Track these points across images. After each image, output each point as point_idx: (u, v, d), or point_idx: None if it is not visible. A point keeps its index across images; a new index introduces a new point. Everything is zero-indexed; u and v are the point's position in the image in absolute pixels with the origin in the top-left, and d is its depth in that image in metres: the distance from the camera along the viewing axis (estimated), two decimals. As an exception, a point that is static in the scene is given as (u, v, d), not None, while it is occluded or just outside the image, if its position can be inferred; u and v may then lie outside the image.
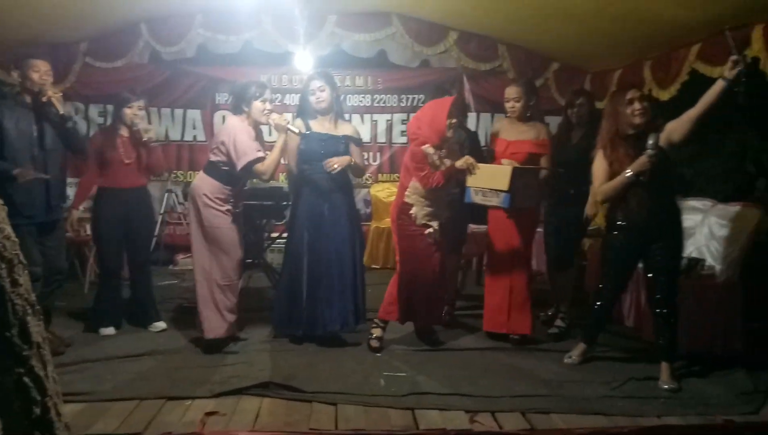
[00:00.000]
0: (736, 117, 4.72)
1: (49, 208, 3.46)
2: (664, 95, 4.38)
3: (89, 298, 4.28)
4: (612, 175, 3.09)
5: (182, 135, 6.09)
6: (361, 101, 6.32)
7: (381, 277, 4.72)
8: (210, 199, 3.51)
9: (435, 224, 3.55)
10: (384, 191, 6.25)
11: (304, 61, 5.34)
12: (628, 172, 3.01)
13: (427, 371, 3.27)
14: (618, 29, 4.26)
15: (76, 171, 5.81)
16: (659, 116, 3.19)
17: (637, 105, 3.03)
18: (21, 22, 4.49)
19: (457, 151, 3.69)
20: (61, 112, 3.40)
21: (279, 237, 5.07)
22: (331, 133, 3.69)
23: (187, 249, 6.00)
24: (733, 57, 2.83)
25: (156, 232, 5.69)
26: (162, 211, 5.90)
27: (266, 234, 5.27)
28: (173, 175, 6.11)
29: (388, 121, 6.47)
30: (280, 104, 5.78)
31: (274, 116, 3.56)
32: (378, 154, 6.50)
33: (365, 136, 5.98)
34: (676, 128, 3.01)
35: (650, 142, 2.97)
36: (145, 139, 3.73)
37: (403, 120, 6.31)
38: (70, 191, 5.83)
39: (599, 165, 3.16)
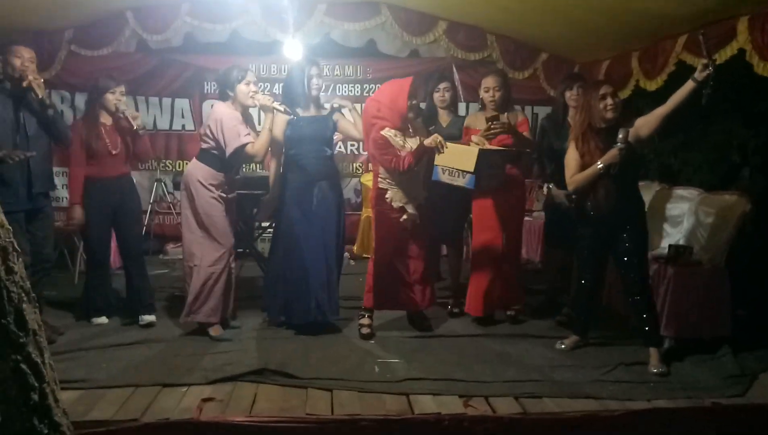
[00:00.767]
0: (723, 107, 4.78)
1: (31, 196, 3.43)
2: (651, 86, 4.44)
3: (79, 287, 4.23)
4: (583, 166, 3.21)
5: (171, 124, 6.02)
6: (350, 91, 6.29)
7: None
8: (203, 186, 3.51)
9: (410, 208, 3.56)
10: (374, 180, 6.26)
11: (293, 50, 5.31)
12: (599, 165, 3.13)
13: (420, 357, 3.30)
14: (605, 21, 4.29)
15: (61, 160, 5.78)
16: (631, 111, 3.32)
17: (609, 100, 3.14)
18: (4, 8, 4.41)
19: (423, 129, 3.68)
20: (41, 96, 3.34)
21: (270, 226, 5.06)
22: (318, 115, 3.71)
23: (176, 238, 5.99)
24: (704, 60, 2.95)
25: (145, 222, 5.66)
26: (151, 201, 5.85)
27: (257, 223, 5.26)
28: (162, 165, 6.05)
29: (377, 110, 6.46)
30: (269, 93, 5.72)
31: (259, 96, 3.55)
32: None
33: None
34: (644, 124, 3.13)
35: (620, 136, 3.09)
36: (135, 126, 3.67)
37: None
38: (58, 180, 5.81)
39: (571, 156, 3.27)
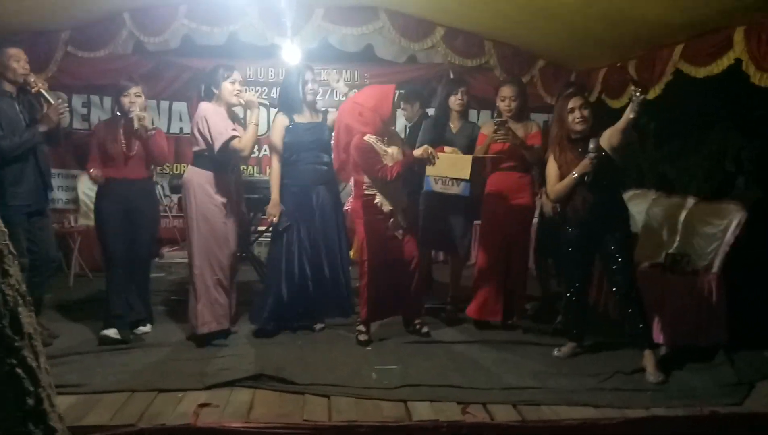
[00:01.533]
0: (719, 115, 4.82)
1: (45, 195, 3.52)
2: (649, 94, 4.44)
3: (75, 291, 4.20)
4: (561, 176, 3.30)
5: (168, 127, 5.98)
6: (347, 95, 6.27)
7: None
8: (201, 191, 3.49)
9: (399, 214, 3.56)
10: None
11: (291, 54, 5.30)
12: (574, 174, 3.22)
13: (418, 363, 3.29)
14: (602, 28, 4.32)
15: (58, 162, 5.75)
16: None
17: (577, 113, 3.22)
18: (0, 9, 4.38)
19: (398, 137, 3.68)
20: (52, 102, 3.38)
21: (267, 230, 5.05)
22: (314, 121, 3.71)
23: (172, 242, 5.97)
24: (638, 97, 3.06)
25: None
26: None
27: (253, 227, 5.24)
28: (159, 168, 6.01)
29: (374, 115, 6.45)
30: (267, 98, 5.72)
31: (244, 93, 3.54)
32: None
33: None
34: (610, 135, 3.22)
35: (591, 146, 3.17)
36: (136, 127, 3.54)
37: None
38: (53, 182, 5.76)
39: (550, 167, 3.37)
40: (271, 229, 3.86)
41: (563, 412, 2.75)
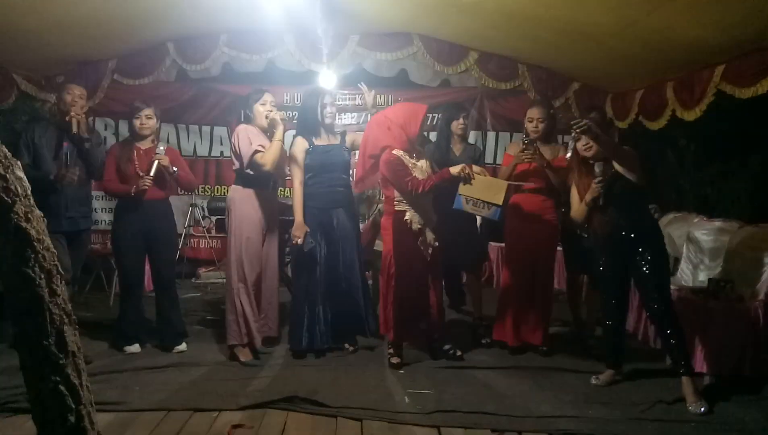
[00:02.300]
0: (761, 136, 4.69)
1: (66, 219, 3.65)
2: (690, 115, 4.37)
3: (114, 309, 4.29)
4: (581, 200, 3.31)
5: (210, 151, 6.18)
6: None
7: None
8: (241, 207, 3.62)
9: (428, 231, 3.55)
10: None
11: (327, 79, 5.42)
12: (587, 199, 3.24)
13: (451, 389, 3.25)
14: (639, 50, 4.27)
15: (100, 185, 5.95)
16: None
17: (582, 140, 3.20)
18: (52, 40, 4.62)
19: (424, 154, 3.69)
20: (75, 131, 3.56)
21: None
22: (333, 143, 3.78)
23: (209, 263, 6.08)
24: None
25: (179, 245, 5.76)
26: (186, 225, 5.96)
27: (286, 248, 5.30)
28: (201, 189, 6.19)
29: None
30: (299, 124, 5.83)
31: (270, 113, 3.64)
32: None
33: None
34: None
35: (596, 170, 3.18)
36: (152, 171, 3.70)
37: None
38: (96, 204, 5.98)
39: (573, 191, 3.40)
40: (291, 250, 3.89)
41: (602, 443, 2.67)
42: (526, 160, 3.69)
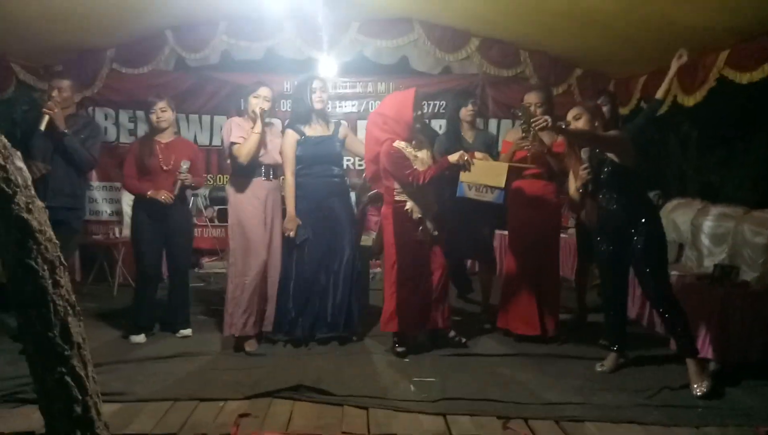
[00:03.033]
0: (764, 121, 4.66)
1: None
2: (690, 101, 4.35)
3: (118, 300, 4.31)
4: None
5: (210, 140, 6.13)
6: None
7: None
8: (239, 198, 3.63)
9: (428, 221, 3.54)
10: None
11: (327, 67, 5.37)
12: (576, 185, 3.26)
13: (456, 376, 3.24)
14: (643, 35, 4.23)
15: (102, 175, 5.94)
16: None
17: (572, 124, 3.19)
18: (50, 29, 4.57)
19: (426, 142, 3.66)
20: (42, 128, 3.53)
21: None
22: (325, 134, 3.74)
23: (212, 253, 6.07)
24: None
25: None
26: (188, 215, 5.94)
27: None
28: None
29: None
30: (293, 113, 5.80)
31: (255, 105, 3.62)
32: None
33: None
34: None
35: (583, 156, 3.18)
36: (176, 190, 3.79)
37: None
38: (98, 194, 5.96)
39: (570, 178, 3.40)
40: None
41: (608, 429, 2.66)
42: (525, 147, 3.65)
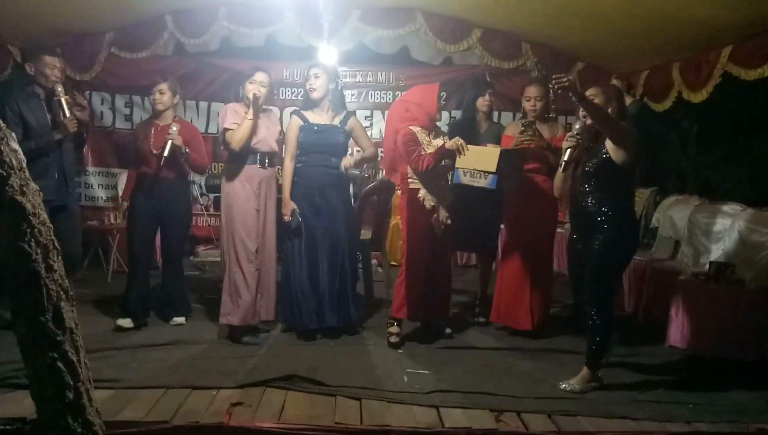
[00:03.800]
0: (765, 119, 4.65)
1: (64, 192, 3.60)
2: (696, 97, 4.33)
3: (113, 286, 4.29)
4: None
5: (206, 127, 6.08)
6: (383, 97, 6.29)
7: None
8: (234, 185, 3.58)
9: (442, 209, 3.54)
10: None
11: (328, 55, 5.33)
12: (561, 161, 3.10)
13: (450, 369, 3.25)
14: (647, 29, 4.21)
15: (99, 160, 5.91)
16: None
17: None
18: (48, 11, 4.52)
19: (442, 133, 3.68)
20: (68, 115, 3.48)
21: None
22: (329, 123, 3.71)
23: (207, 241, 6.05)
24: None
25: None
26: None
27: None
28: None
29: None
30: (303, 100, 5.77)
31: (247, 86, 3.60)
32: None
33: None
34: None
35: (576, 126, 3.05)
36: (166, 150, 3.67)
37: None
38: (94, 180, 5.94)
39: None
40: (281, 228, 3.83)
41: (601, 424, 2.66)
42: (525, 142, 3.64)
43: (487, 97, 4.06)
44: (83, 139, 3.80)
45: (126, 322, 3.75)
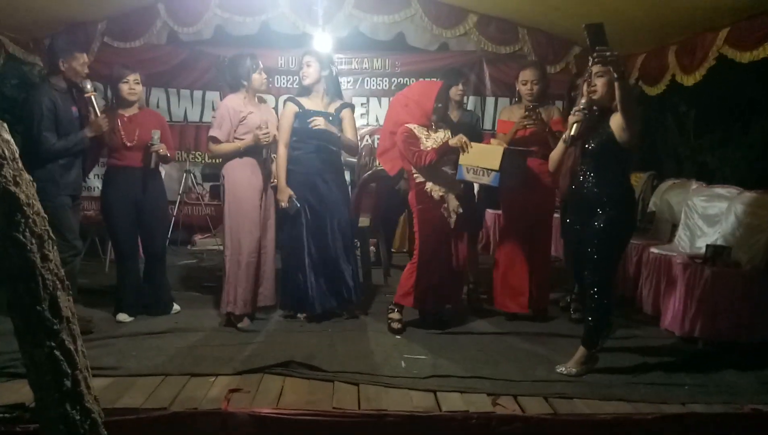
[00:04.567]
0: (762, 103, 4.63)
1: (80, 185, 3.68)
2: (689, 81, 4.31)
3: (110, 275, 4.28)
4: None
5: (201, 116, 6.06)
6: (378, 84, 6.27)
7: (400, 260, 4.73)
8: (235, 175, 3.58)
9: (452, 198, 3.55)
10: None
11: (322, 43, 5.30)
12: (565, 135, 3.03)
13: (447, 354, 3.26)
14: (642, 12, 4.18)
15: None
16: None
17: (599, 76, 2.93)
18: (39, 1, 4.48)
19: (443, 127, 3.67)
20: (99, 113, 3.50)
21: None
22: (324, 111, 3.71)
23: (204, 229, 6.06)
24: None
25: (174, 213, 5.71)
26: (180, 192, 5.88)
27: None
28: (192, 156, 6.10)
29: (405, 104, 6.41)
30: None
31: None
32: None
33: (382, 120, 5.93)
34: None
35: (583, 100, 2.97)
36: (152, 163, 3.68)
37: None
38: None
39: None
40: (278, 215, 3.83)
41: (596, 407, 2.69)
42: (528, 126, 3.64)
43: (460, 86, 4.07)
44: (104, 138, 3.63)
45: (124, 317, 3.72)
